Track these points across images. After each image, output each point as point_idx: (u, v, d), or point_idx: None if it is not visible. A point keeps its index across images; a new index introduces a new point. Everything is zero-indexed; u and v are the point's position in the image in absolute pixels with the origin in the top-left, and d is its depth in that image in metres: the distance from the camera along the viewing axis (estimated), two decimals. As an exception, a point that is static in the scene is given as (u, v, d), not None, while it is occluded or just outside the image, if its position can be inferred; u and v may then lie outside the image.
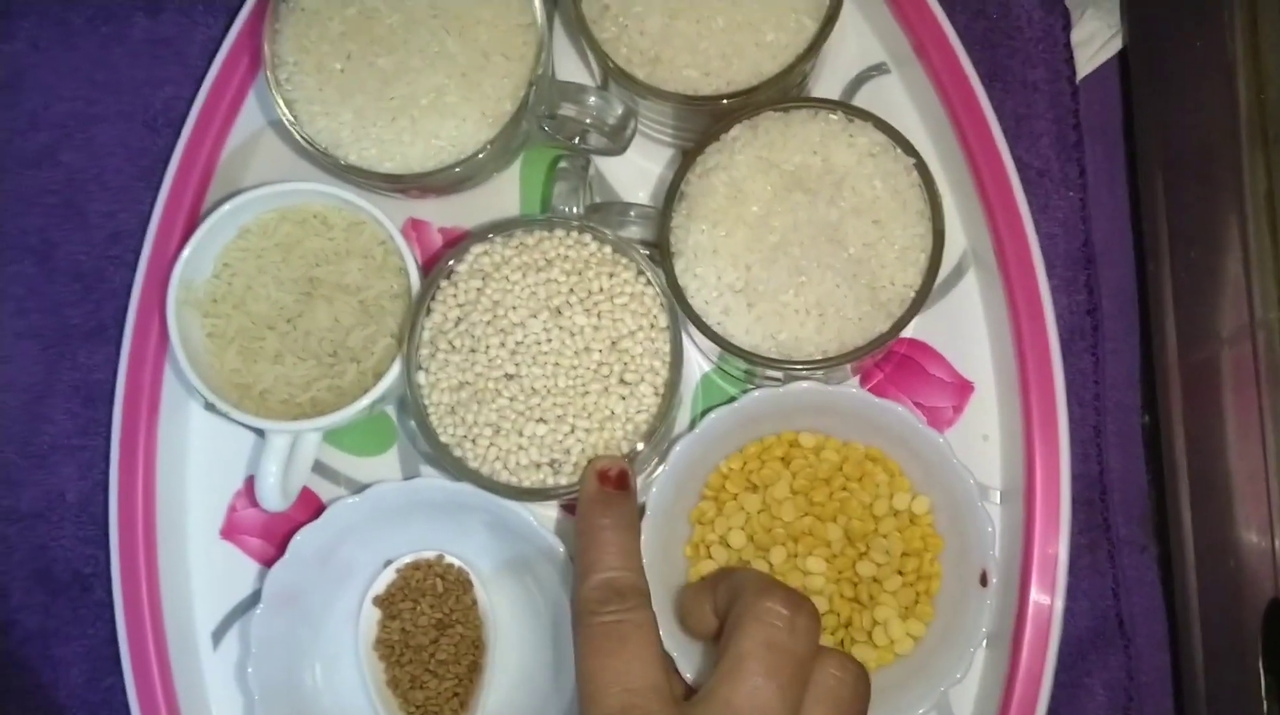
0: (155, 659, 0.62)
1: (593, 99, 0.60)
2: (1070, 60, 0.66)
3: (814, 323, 0.57)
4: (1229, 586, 0.56)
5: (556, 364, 0.57)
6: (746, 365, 0.59)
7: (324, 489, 0.65)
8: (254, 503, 0.64)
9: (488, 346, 0.58)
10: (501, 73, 0.59)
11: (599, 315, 0.58)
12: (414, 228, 0.66)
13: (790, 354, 0.57)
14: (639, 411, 0.58)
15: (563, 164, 0.61)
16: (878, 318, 0.57)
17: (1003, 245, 0.62)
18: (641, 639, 0.52)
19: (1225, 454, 0.56)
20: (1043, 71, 0.66)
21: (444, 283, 0.59)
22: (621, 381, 0.58)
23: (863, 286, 0.57)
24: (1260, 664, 0.54)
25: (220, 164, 0.66)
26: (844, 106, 0.59)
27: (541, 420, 0.57)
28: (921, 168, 0.58)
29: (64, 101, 0.69)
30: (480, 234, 0.59)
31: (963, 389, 0.64)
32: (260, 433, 0.64)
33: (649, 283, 0.58)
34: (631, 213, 0.61)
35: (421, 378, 0.58)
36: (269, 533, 0.66)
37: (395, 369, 0.59)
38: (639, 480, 0.59)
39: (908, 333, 0.62)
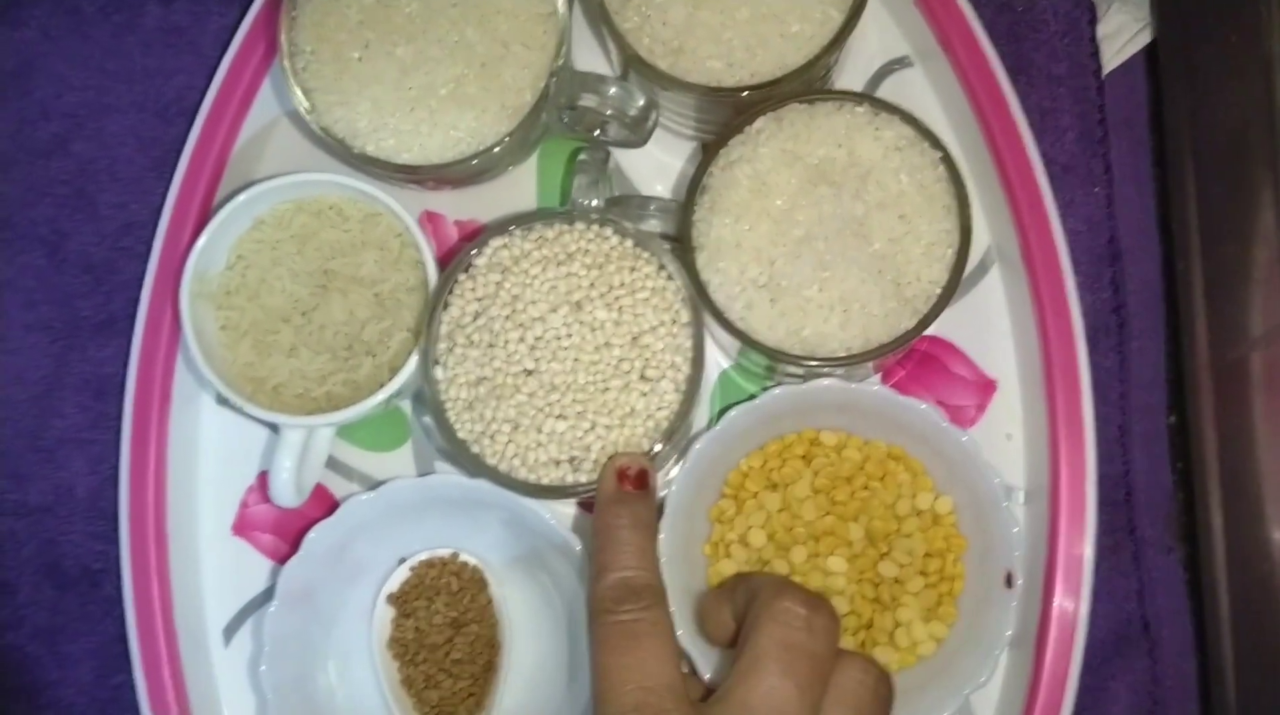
0: (166, 656, 0.62)
1: (613, 90, 0.60)
2: (1096, 54, 0.65)
3: (838, 319, 0.56)
4: (1262, 590, 0.55)
5: (576, 360, 0.57)
6: (768, 362, 0.58)
7: (337, 485, 0.65)
8: (266, 498, 0.63)
9: (506, 341, 0.57)
10: (521, 63, 0.58)
11: (620, 310, 0.57)
12: (429, 220, 0.66)
13: (814, 350, 0.57)
14: (660, 408, 0.57)
15: (582, 156, 0.60)
16: (903, 314, 0.56)
17: (1028, 241, 0.61)
18: (657, 638, 0.51)
19: (1257, 455, 0.55)
20: (1068, 65, 0.65)
21: (462, 276, 0.58)
22: (642, 377, 0.57)
23: (888, 282, 0.56)
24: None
25: (233, 154, 0.65)
26: (870, 99, 0.58)
27: (561, 417, 0.56)
28: (948, 162, 0.57)
29: (75, 91, 0.68)
30: (499, 227, 0.58)
31: (985, 387, 0.64)
32: (274, 427, 0.63)
33: (670, 277, 0.58)
34: (651, 206, 0.60)
35: (439, 373, 0.57)
36: (281, 528, 0.65)
37: (412, 363, 0.58)
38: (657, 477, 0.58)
39: (929, 330, 0.61)
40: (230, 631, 0.64)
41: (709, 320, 0.57)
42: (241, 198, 0.60)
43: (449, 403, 0.57)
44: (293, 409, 0.60)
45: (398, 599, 0.62)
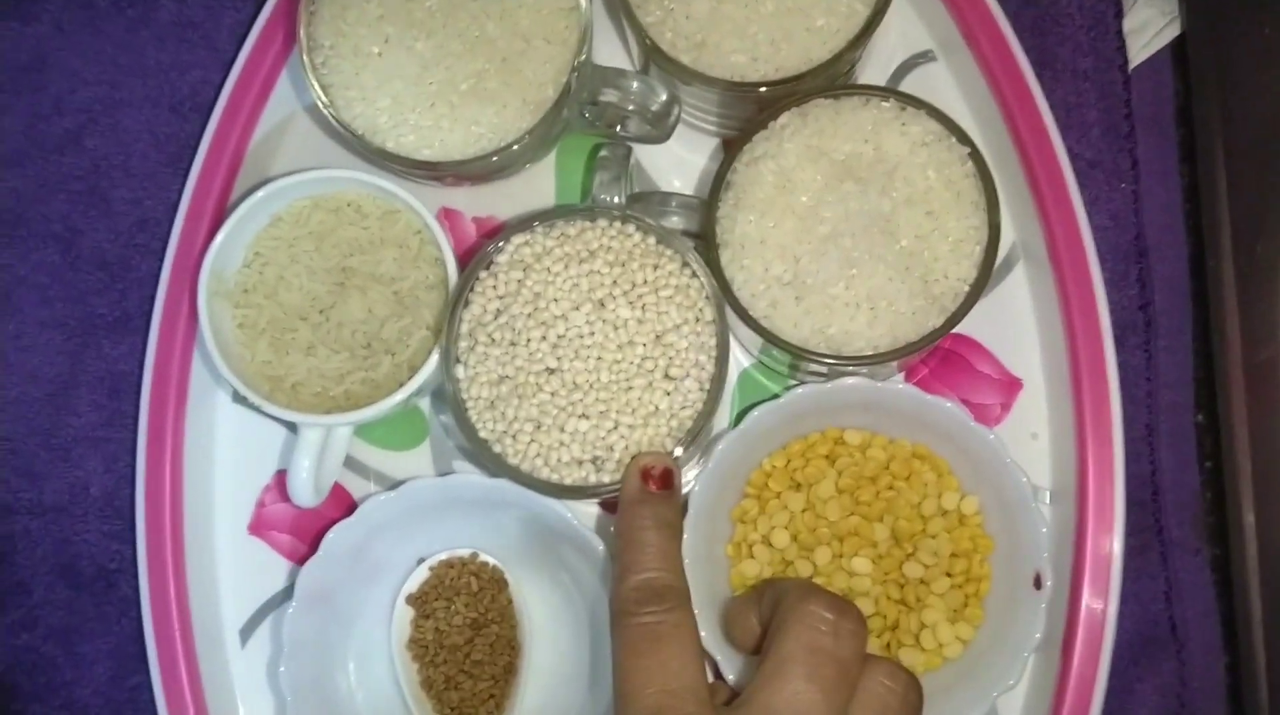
0: (182, 657, 0.61)
1: (635, 85, 0.59)
2: (1122, 48, 0.64)
3: (865, 317, 0.55)
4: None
5: (599, 358, 0.56)
6: (792, 360, 0.57)
7: (354, 484, 0.64)
8: (283, 497, 0.63)
9: (528, 339, 0.56)
10: (543, 58, 0.58)
11: (643, 308, 0.56)
12: (446, 217, 0.65)
13: (840, 349, 0.56)
14: (684, 407, 0.56)
15: (604, 152, 0.59)
16: (931, 312, 0.55)
17: (1054, 238, 0.60)
18: (680, 640, 0.51)
19: (1291, 456, 0.55)
20: (1093, 60, 0.65)
21: (483, 274, 0.57)
22: (666, 376, 0.56)
23: (916, 279, 0.55)
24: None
25: (250, 150, 0.64)
26: (896, 94, 0.57)
27: (584, 416, 0.56)
28: (976, 158, 0.56)
29: (89, 86, 0.68)
30: (520, 224, 0.58)
31: (1011, 386, 0.63)
32: (291, 427, 0.62)
33: (694, 275, 0.57)
34: (673, 203, 0.59)
35: (460, 371, 0.57)
36: (298, 528, 0.64)
37: (432, 362, 0.58)
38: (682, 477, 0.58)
39: (952, 327, 0.61)
40: (247, 632, 0.64)
41: (732, 318, 0.57)
42: (259, 194, 0.59)
43: (470, 402, 0.57)
44: (311, 408, 0.59)
45: (417, 600, 0.61)
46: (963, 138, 0.56)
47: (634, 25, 0.57)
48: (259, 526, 0.64)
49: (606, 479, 0.56)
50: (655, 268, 0.57)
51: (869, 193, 0.56)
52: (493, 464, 0.56)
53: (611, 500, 0.58)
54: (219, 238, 0.59)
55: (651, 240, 0.57)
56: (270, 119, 0.65)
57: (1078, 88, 0.64)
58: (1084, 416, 0.59)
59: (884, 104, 0.57)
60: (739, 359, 0.63)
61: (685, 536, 0.56)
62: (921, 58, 0.65)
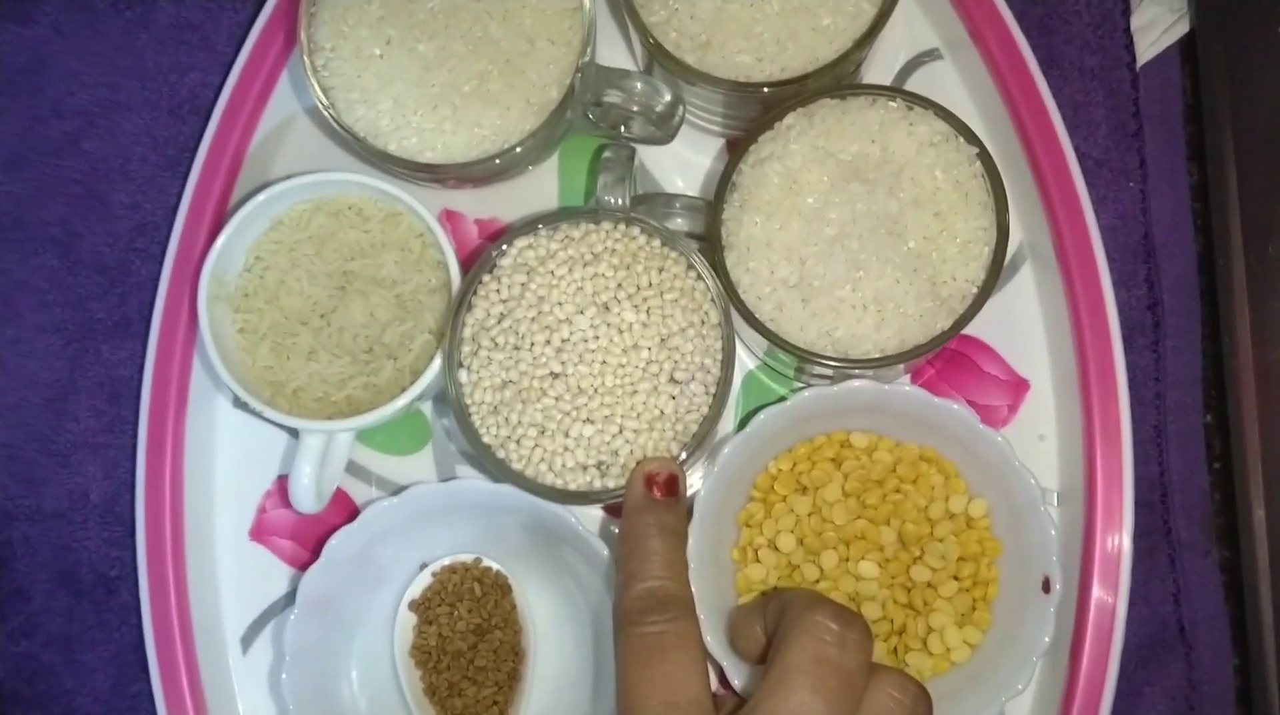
0: (183, 664, 0.61)
1: (639, 85, 0.58)
2: (1130, 46, 0.64)
3: (872, 319, 0.55)
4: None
5: (604, 362, 0.55)
6: (798, 363, 0.57)
7: (356, 489, 0.64)
8: (284, 503, 0.63)
9: (532, 344, 0.56)
10: (546, 59, 0.57)
11: (648, 311, 0.56)
12: (449, 219, 0.64)
13: (847, 352, 0.55)
14: (689, 411, 0.56)
15: (607, 154, 0.59)
16: (939, 314, 0.55)
17: (1062, 238, 0.60)
18: (683, 650, 0.50)
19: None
20: (1101, 58, 0.64)
21: (486, 277, 0.57)
22: (671, 380, 0.56)
23: (923, 281, 0.55)
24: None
25: (249, 153, 0.64)
26: (903, 93, 0.56)
27: (589, 421, 0.55)
28: (985, 158, 0.56)
29: (87, 88, 0.67)
30: (523, 226, 0.57)
31: (1018, 387, 0.62)
32: (293, 432, 0.62)
33: (699, 277, 0.56)
34: (678, 204, 0.59)
35: (463, 376, 0.56)
36: (299, 534, 0.64)
37: (434, 366, 0.57)
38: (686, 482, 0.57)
39: (959, 328, 0.60)
40: (248, 639, 0.63)
41: (737, 321, 0.56)
42: (259, 198, 0.59)
43: (474, 407, 0.56)
44: (312, 413, 0.59)
45: (420, 605, 0.61)
46: (971, 138, 0.56)
47: (638, 25, 0.57)
48: (260, 532, 0.64)
49: (611, 484, 0.56)
50: (660, 270, 0.56)
51: (876, 194, 0.55)
52: (496, 469, 0.56)
53: (616, 505, 0.57)
54: (219, 242, 0.58)
55: (656, 243, 0.57)
56: (270, 121, 0.64)
57: (1085, 86, 0.64)
58: (1092, 418, 0.59)
59: (891, 104, 0.56)
60: (744, 361, 0.63)
61: (690, 541, 0.56)
62: (927, 56, 0.65)
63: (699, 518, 0.57)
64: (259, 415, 0.58)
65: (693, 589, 0.55)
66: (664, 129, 0.59)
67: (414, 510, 0.59)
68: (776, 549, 0.59)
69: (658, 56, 0.56)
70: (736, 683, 0.56)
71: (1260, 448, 0.57)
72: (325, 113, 0.57)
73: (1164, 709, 0.61)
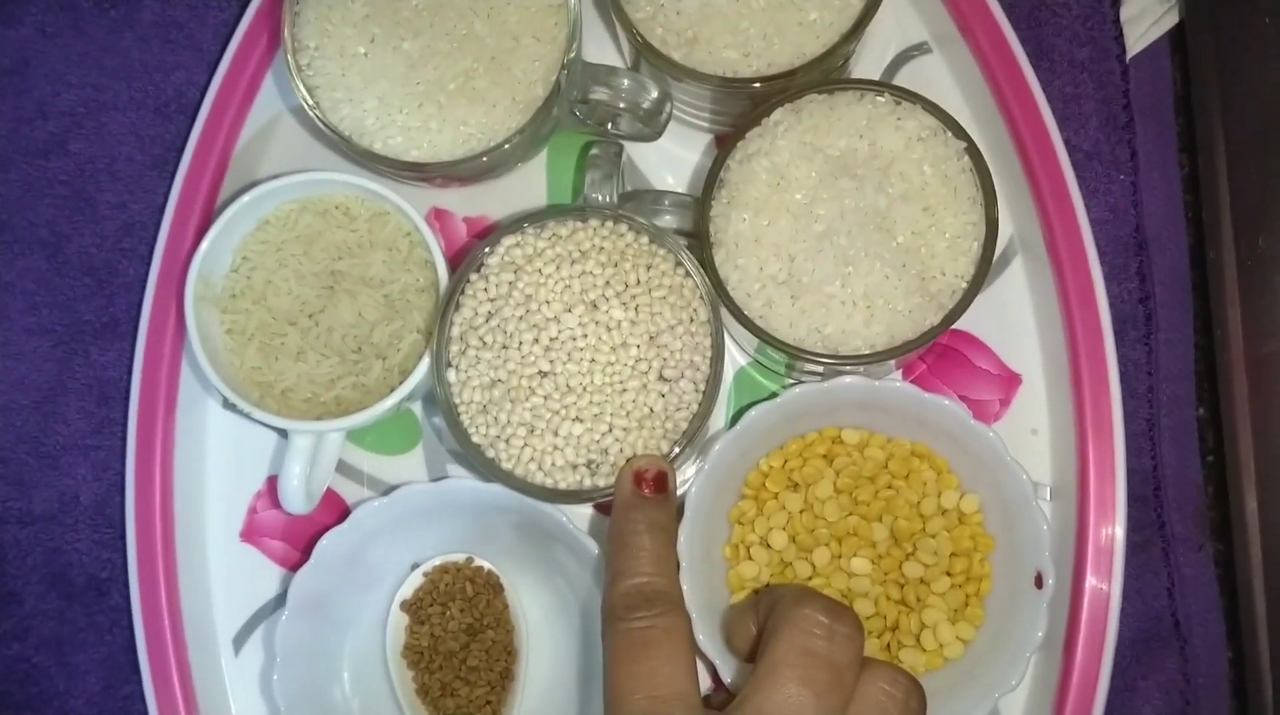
0: (175, 666, 0.61)
1: (626, 82, 0.58)
2: (1119, 38, 0.64)
3: (862, 315, 0.54)
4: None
5: (593, 360, 0.55)
6: (789, 360, 0.57)
7: (347, 489, 0.63)
8: (275, 504, 0.62)
9: (520, 342, 0.55)
10: (532, 56, 0.57)
11: (637, 309, 0.55)
12: (437, 217, 0.64)
13: (836, 348, 0.55)
14: (679, 409, 0.56)
15: (594, 151, 0.58)
16: (928, 310, 0.55)
17: (1053, 231, 0.60)
18: (669, 646, 0.50)
19: (1295, 451, 0.54)
20: (1090, 50, 0.64)
21: (474, 276, 0.57)
22: (661, 378, 0.55)
23: (913, 277, 0.54)
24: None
25: (236, 152, 0.64)
26: (891, 88, 0.56)
27: (578, 419, 0.55)
28: (973, 152, 0.55)
29: (73, 89, 0.67)
30: (511, 225, 0.57)
31: (1010, 381, 0.62)
32: (282, 433, 0.61)
33: (688, 274, 0.56)
34: (666, 201, 0.59)
35: (451, 375, 0.56)
36: (290, 535, 0.63)
37: (423, 366, 0.57)
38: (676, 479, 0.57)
39: (950, 323, 0.60)
40: (240, 641, 0.63)
41: (727, 317, 0.56)
42: (245, 198, 0.58)
43: (462, 406, 0.56)
44: (301, 413, 0.58)
45: (412, 606, 0.61)
46: (959, 132, 0.56)
47: (624, 22, 0.56)
48: (251, 533, 0.64)
49: (602, 483, 0.55)
50: (648, 268, 0.56)
51: (865, 189, 0.55)
52: (486, 469, 0.56)
53: (607, 503, 0.57)
54: (205, 243, 0.58)
55: (644, 240, 0.57)
56: (256, 121, 0.64)
57: (1075, 78, 0.64)
58: (1084, 411, 0.59)
59: (879, 99, 0.56)
60: (735, 358, 0.63)
61: (682, 539, 0.56)
62: (916, 50, 0.64)
63: (690, 515, 0.56)
64: (248, 416, 0.58)
65: (685, 587, 0.55)
66: (651, 125, 0.59)
67: (405, 510, 0.59)
68: (768, 546, 0.59)
69: (644, 53, 0.56)
70: (728, 679, 0.56)
71: (1253, 440, 0.57)
72: (310, 112, 0.57)
73: (1159, 703, 0.61)
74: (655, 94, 0.58)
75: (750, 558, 0.59)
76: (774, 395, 0.58)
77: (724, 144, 0.57)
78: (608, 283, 0.55)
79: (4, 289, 0.66)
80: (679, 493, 0.57)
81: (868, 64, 0.64)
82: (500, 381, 0.55)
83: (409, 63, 0.56)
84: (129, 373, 0.62)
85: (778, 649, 0.47)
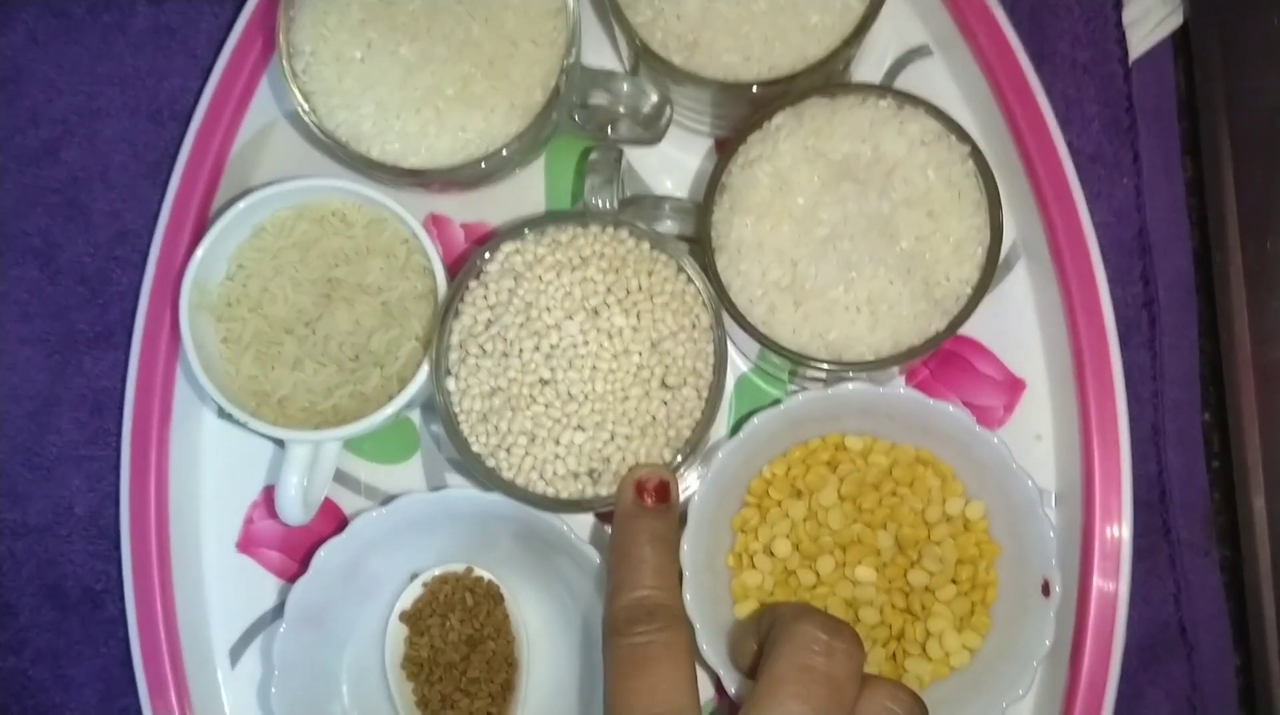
0: (171, 678, 0.60)
1: (626, 86, 0.57)
2: (1122, 41, 0.63)
3: (865, 321, 0.54)
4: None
5: (594, 368, 0.54)
6: (792, 366, 0.56)
7: (344, 498, 0.63)
8: (271, 514, 0.62)
9: (521, 350, 0.55)
10: (531, 60, 0.56)
11: (638, 315, 0.55)
12: (435, 224, 0.64)
13: (840, 354, 0.55)
14: (681, 416, 0.55)
15: (594, 156, 0.58)
16: (933, 315, 0.54)
17: (1056, 235, 0.59)
18: (669, 661, 0.50)
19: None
20: (1092, 52, 0.63)
21: (473, 283, 0.56)
22: (663, 385, 0.55)
23: (917, 282, 0.54)
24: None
25: (230, 158, 0.63)
26: (894, 92, 0.56)
27: (579, 427, 0.54)
28: (977, 156, 0.55)
29: (65, 96, 0.66)
30: (510, 231, 0.56)
31: (1013, 387, 0.62)
32: (279, 442, 0.61)
33: (690, 280, 0.55)
34: (667, 207, 0.58)
35: (451, 384, 0.55)
36: (287, 545, 0.63)
37: (421, 374, 0.56)
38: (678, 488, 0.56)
39: (952, 328, 0.59)
40: (237, 652, 0.63)
41: (729, 324, 0.55)
42: (241, 205, 0.58)
43: (462, 415, 0.55)
44: (299, 423, 0.58)
45: (411, 616, 0.60)
46: (962, 136, 0.55)
47: (624, 26, 0.56)
48: (248, 544, 0.63)
49: (604, 492, 0.55)
50: (650, 274, 0.55)
51: (868, 194, 0.54)
52: (486, 478, 0.55)
53: (609, 512, 0.56)
54: (200, 250, 0.58)
55: (645, 245, 0.56)
56: (251, 127, 0.63)
57: (1077, 80, 0.63)
58: (1089, 417, 0.58)
59: (881, 102, 0.55)
60: (737, 364, 0.62)
61: (685, 547, 0.55)
62: (917, 53, 0.64)
63: (694, 524, 0.56)
64: (244, 426, 0.57)
65: (688, 596, 0.54)
66: (651, 130, 0.59)
67: (403, 520, 0.58)
68: (772, 554, 0.58)
69: (644, 57, 0.56)
70: (732, 690, 0.55)
71: (1260, 445, 0.57)
72: (306, 118, 0.57)
73: (1166, 710, 0.61)
74: (655, 98, 0.57)
75: (754, 566, 0.58)
76: (777, 402, 0.57)
77: (725, 148, 0.57)
78: (609, 289, 0.55)
79: (-3, 298, 0.65)
80: (681, 501, 0.56)
81: (868, 67, 0.63)
82: (500, 389, 0.55)
83: (406, 68, 0.56)
84: (123, 382, 0.62)
85: (777, 665, 0.47)
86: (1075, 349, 0.59)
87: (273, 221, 0.59)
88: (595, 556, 0.56)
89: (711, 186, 0.56)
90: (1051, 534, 0.55)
